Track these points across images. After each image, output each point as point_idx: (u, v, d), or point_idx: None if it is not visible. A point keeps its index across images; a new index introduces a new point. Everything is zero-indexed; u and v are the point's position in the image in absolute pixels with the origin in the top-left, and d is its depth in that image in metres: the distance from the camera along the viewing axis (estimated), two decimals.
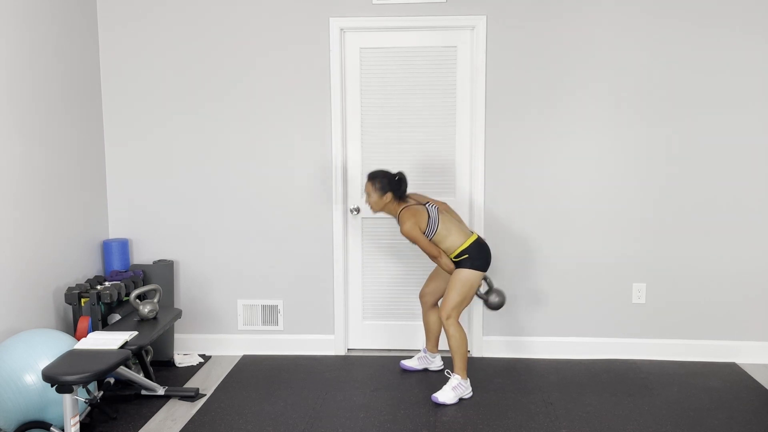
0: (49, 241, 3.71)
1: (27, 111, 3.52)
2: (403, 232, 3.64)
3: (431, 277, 3.96)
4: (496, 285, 3.88)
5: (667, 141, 4.11)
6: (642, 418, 3.41)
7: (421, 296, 4.00)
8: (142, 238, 4.36)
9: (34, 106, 3.59)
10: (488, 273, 4.24)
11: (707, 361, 4.21)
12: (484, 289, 3.97)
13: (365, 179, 3.83)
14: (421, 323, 4.29)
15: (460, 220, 3.82)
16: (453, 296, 3.61)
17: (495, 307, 3.79)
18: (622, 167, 4.16)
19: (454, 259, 3.67)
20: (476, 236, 3.68)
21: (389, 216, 4.08)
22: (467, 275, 3.62)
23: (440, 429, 3.31)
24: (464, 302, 3.66)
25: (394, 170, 3.76)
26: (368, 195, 3.71)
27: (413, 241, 3.64)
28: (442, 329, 4.06)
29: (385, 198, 3.66)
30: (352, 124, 4.27)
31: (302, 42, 4.17)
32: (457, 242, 3.64)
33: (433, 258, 3.66)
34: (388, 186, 3.65)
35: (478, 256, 3.64)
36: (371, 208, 3.74)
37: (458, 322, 3.64)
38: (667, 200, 4.16)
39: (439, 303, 4.00)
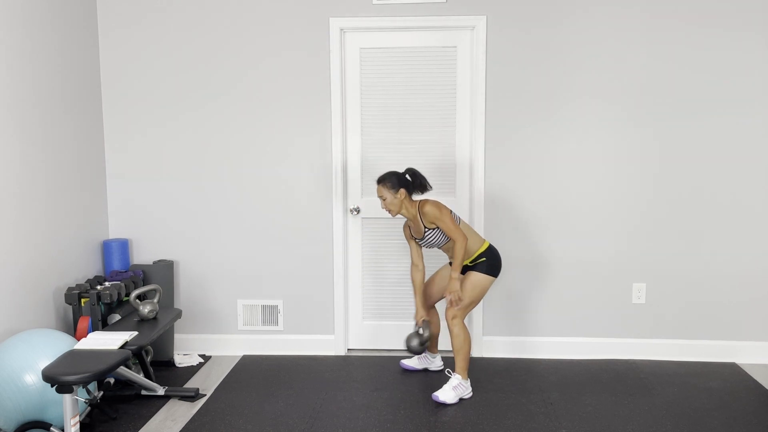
0: (49, 241, 3.71)
1: (27, 111, 3.52)
2: (425, 212, 3.54)
3: (431, 281, 3.95)
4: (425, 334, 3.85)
5: (668, 141, 4.11)
6: (642, 418, 3.41)
7: None
8: (142, 238, 4.36)
9: (34, 107, 3.59)
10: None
11: (707, 361, 4.21)
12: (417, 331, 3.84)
13: (376, 185, 3.69)
14: None
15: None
16: (464, 298, 3.61)
17: (414, 350, 3.75)
18: (622, 167, 4.16)
19: (469, 264, 3.68)
20: (489, 243, 3.72)
21: (392, 217, 4.06)
22: (480, 279, 3.63)
23: (440, 429, 3.31)
24: (472, 305, 3.67)
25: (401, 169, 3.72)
26: (383, 199, 3.61)
27: (436, 219, 3.52)
28: (441, 330, 4.07)
29: (399, 195, 3.58)
30: (352, 124, 4.27)
31: (302, 42, 4.17)
32: (475, 245, 3.66)
33: (455, 240, 3.51)
34: (399, 183, 3.59)
35: (493, 261, 3.66)
36: (390, 211, 3.63)
37: (463, 323, 3.64)
38: (667, 200, 4.16)
39: (436, 306, 4.00)
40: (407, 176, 3.65)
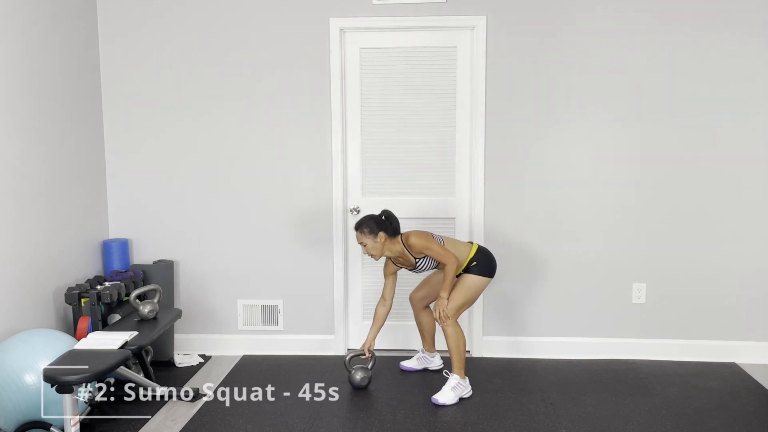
0: (49, 241, 3.71)
1: (27, 111, 3.52)
2: (411, 244, 3.61)
3: (423, 284, 3.97)
4: (370, 366, 3.85)
5: (667, 142, 4.11)
6: (642, 418, 3.41)
7: (411, 300, 4.01)
8: (142, 238, 4.36)
9: (35, 107, 3.59)
10: None
11: (707, 361, 4.21)
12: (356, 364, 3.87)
13: (354, 232, 3.73)
14: None
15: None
16: (457, 298, 3.63)
17: (357, 384, 3.76)
18: (621, 167, 4.16)
19: (461, 272, 3.70)
20: (478, 245, 3.75)
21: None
22: (474, 280, 3.66)
23: (440, 429, 3.31)
24: (465, 306, 3.69)
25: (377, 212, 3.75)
26: (363, 246, 3.65)
27: (424, 249, 3.58)
28: (437, 327, 4.07)
29: (379, 239, 3.61)
30: (352, 124, 4.27)
31: (302, 42, 4.17)
32: (464, 253, 3.69)
33: (446, 263, 3.56)
34: (377, 227, 3.62)
35: (485, 262, 3.69)
36: (373, 256, 3.66)
37: (456, 322, 3.64)
38: (666, 200, 4.16)
39: (431, 305, 3.99)
40: (383, 217, 3.67)
